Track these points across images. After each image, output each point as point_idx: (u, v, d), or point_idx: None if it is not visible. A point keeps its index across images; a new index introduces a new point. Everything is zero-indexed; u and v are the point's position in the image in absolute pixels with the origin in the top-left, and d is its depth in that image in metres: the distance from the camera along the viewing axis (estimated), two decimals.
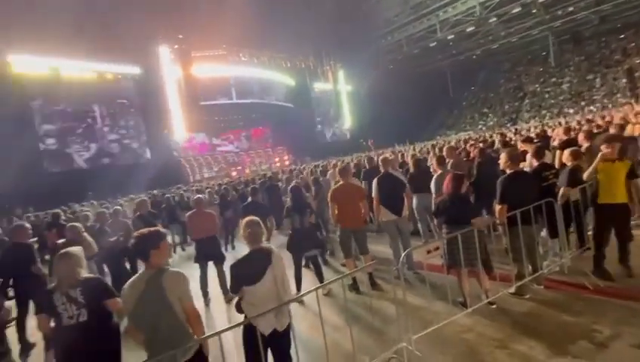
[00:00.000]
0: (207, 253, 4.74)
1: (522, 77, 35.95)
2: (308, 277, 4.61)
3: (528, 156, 4.23)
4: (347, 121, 36.37)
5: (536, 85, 33.35)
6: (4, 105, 15.83)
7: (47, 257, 5.65)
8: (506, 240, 3.64)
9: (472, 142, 9.96)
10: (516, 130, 16.89)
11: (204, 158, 26.39)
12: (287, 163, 28.55)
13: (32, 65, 18.71)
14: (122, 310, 2.47)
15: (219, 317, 4.38)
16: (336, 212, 4.27)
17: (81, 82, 20.49)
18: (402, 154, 10.33)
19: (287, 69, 31.17)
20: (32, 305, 4.00)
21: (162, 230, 2.18)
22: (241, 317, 2.33)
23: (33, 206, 12.72)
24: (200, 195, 5.31)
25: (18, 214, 11.78)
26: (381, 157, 4.75)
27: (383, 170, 4.58)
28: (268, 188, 7.85)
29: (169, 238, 2.27)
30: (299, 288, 4.28)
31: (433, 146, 13.14)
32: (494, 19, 27.85)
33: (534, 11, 27.07)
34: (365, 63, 32.89)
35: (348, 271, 4.30)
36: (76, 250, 2.45)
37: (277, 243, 6.00)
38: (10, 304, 3.68)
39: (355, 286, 4.22)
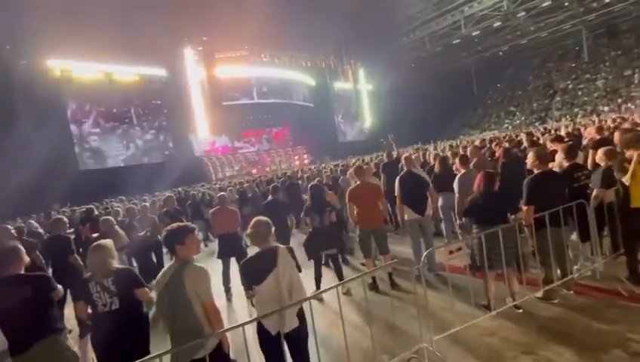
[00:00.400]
0: (230, 249, 4.86)
1: (552, 73, 34.32)
2: (327, 276, 4.63)
3: (558, 156, 4.05)
4: (367, 121, 36.10)
5: (568, 82, 31.74)
6: (44, 107, 16.92)
7: (80, 249, 6.00)
8: (533, 242, 3.51)
9: (497, 141, 9.63)
10: (545, 128, 16.16)
11: (225, 158, 27.05)
12: (306, 162, 28.72)
13: (68, 69, 19.83)
14: (150, 299, 2.61)
15: (240, 312, 4.48)
16: (355, 212, 4.26)
17: (114, 84, 21.56)
18: (424, 153, 10.13)
19: (308, 69, 31.33)
20: (68, 294, 4.29)
21: (191, 225, 2.25)
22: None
23: (71, 202, 13.51)
24: (223, 193, 5.46)
25: (55, 209, 12.56)
26: (404, 156, 4.70)
27: (405, 169, 4.52)
28: (288, 186, 7.93)
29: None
30: (318, 286, 4.31)
31: (451, 146, 12.81)
32: (523, 13, 26.72)
33: (566, 4, 25.75)
34: (386, 62, 32.51)
35: (367, 270, 4.29)
36: (107, 242, 2.60)
37: (296, 241, 6.06)
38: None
39: (374, 286, 4.20)
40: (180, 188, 14.63)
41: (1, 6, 14.65)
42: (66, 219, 4.63)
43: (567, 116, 26.63)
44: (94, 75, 20.92)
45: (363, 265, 5.06)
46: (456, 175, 4.94)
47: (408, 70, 34.32)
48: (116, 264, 2.58)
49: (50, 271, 4.30)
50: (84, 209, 8.23)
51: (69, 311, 4.42)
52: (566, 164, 3.81)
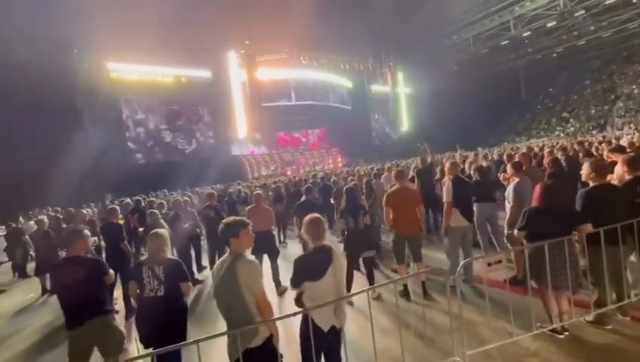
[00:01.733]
0: (263, 246, 4.97)
1: (615, 77, 31.29)
2: (357, 280, 4.60)
3: (618, 167, 3.67)
4: (405, 124, 35.34)
5: (633, 86, 28.76)
6: (102, 105, 18.63)
7: (128, 237, 6.50)
8: (585, 261, 3.22)
9: (549, 149, 8.95)
10: (604, 137, 14.76)
11: (262, 158, 27.86)
12: (340, 164, 28.71)
13: (124, 71, 21.63)
14: (190, 293, 2.75)
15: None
16: (391, 217, 4.17)
17: (164, 85, 23.16)
18: (463, 161, 9.69)
19: (345, 71, 31.37)
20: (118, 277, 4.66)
21: (246, 220, 2.30)
22: (293, 308, 2.43)
23: (122, 193, 14.72)
24: (259, 191, 5.64)
25: (108, 199, 13.73)
26: (450, 161, 4.53)
27: (452, 175, 4.34)
28: (322, 188, 8.00)
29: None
30: (349, 289, 4.29)
31: (486, 156, 12.10)
32: (582, 12, 24.64)
33: (634, 1, 23.34)
34: (427, 64, 31.62)
35: (399, 277, 4.20)
36: (164, 231, 2.79)
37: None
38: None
39: (405, 293, 4.09)
40: (218, 185, 15.30)
41: (72, 13, 16.29)
42: (118, 208, 5.06)
43: (631, 124, 24.12)
44: (146, 76, 22.59)
45: (394, 271, 4.95)
46: (495, 183, 4.72)
47: (450, 73, 33.12)
48: (169, 254, 2.77)
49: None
50: (132, 200, 8.89)
51: (117, 294, 4.83)
52: (628, 176, 3.45)
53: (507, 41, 29.12)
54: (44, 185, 13.85)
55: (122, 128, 21.74)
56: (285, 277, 4.92)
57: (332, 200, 6.93)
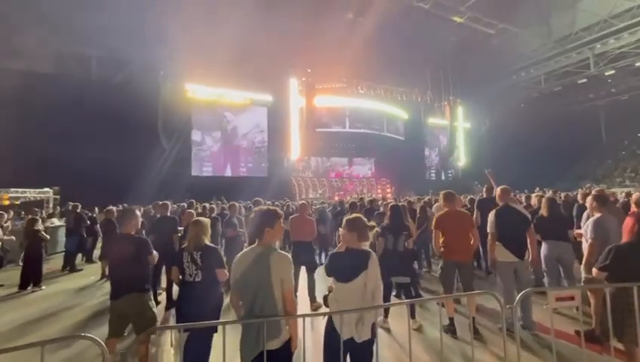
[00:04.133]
0: (302, 257, 4.90)
1: None
2: (397, 307, 4.25)
3: None
4: (461, 160, 33.66)
5: None
6: (177, 122, 20.98)
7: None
8: None
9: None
10: None
11: (311, 180, 28.37)
12: (389, 194, 28.00)
13: (198, 91, 24.19)
14: (227, 280, 2.77)
15: (302, 323, 4.42)
16: (441, 241, 3.82)
17: (230, 106, 25.36)
18: (527, 197, 8.78)
19: (402, 102, 31.27)
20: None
21: (279, 211, 2.25)
22: (321, 324, 2.31)
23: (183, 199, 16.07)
24: (304, 202, 5.68)
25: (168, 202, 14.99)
26: (500, 187, 4.08)
27: (501, 203, 3.93)
28: (367, 210, 7.79)
29: None
30: (386, 315, 3.97)
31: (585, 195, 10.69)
32: None
33: None
34: (490, 100, 30.25)
35: (446, 308, 3.77)
36: (205, 220, 2.90)
37: None
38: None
39: (451, 328, 3.66)
40: (269, 201, 15.83)
41: (160, 40, 18.90)
42: (169, 203, 5.50)
43: None
44: (215, 97, 24.90)
45: (439, 304, 4.50)
46: (567, 221, 4.14)
47: (515, 110, 31.22)
48: (207, 241, 2.85)
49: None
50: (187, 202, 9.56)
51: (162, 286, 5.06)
52: None
53: (585, 80, 26.80)
54: (124, 187, 15.60)
55: (192, 143, 23.96)
56: (320, 295, 4.74)
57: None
